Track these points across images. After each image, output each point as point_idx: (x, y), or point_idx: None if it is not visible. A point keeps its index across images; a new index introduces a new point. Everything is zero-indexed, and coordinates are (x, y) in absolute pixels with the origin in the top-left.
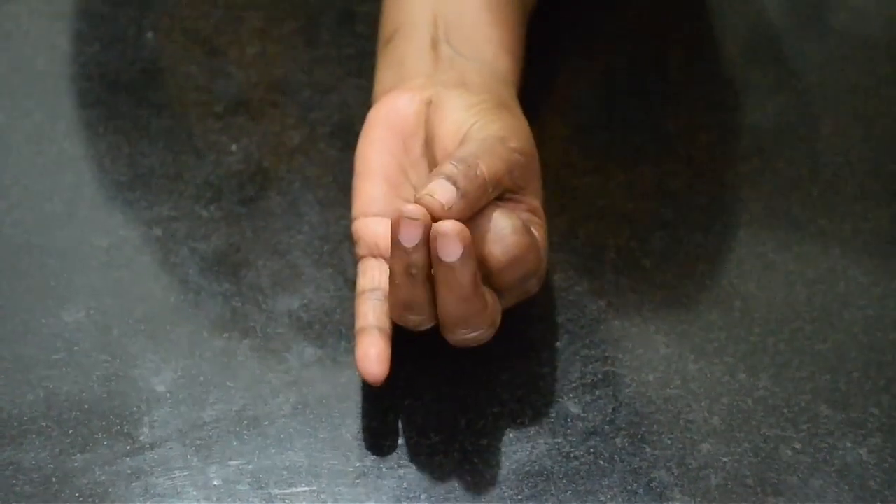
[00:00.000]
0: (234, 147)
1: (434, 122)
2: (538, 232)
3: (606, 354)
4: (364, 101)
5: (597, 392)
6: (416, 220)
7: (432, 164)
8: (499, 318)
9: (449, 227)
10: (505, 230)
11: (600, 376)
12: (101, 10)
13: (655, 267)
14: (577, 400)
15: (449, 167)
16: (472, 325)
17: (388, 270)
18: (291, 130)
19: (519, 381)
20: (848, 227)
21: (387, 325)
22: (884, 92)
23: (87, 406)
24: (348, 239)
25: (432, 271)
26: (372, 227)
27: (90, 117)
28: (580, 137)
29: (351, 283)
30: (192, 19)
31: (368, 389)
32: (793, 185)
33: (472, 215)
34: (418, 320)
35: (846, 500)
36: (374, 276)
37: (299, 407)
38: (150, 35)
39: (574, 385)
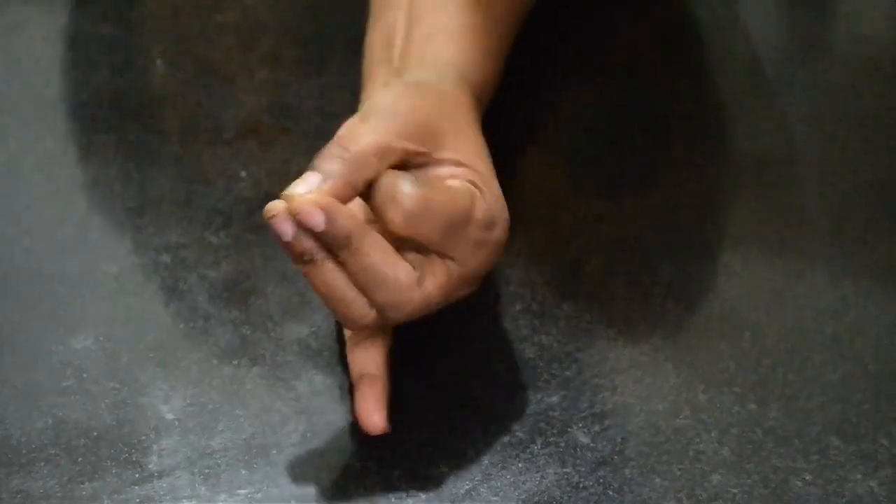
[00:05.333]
0: (243, 174)
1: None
2: (461, 182)
3: (616, 384)
4: None
5: (606, 422)
6: (278, 214)
7: None
8: (436, 282)
9: (301, 202)
10: (392, 193)
11: (610, 406)
12: (112, 38)
13: (665, 296)
14: (586, 429)
15: (316, 157)
16: (387, 283)
17: None
18: (301, 157)
19: (528, 410)
20: (858, 257)
21: (378, 369)
22: (893, 119)
23: (95, 434)
24: None
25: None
26: None
27: (100, 144)
28: (588, 167)
29: None
30: (201, 46)
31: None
32: (802, 214)
33: (364, 189)
34: (355, 311)
35: None
36: None
37: (308, 435)
38: (159, 62)
39: (583, 414)
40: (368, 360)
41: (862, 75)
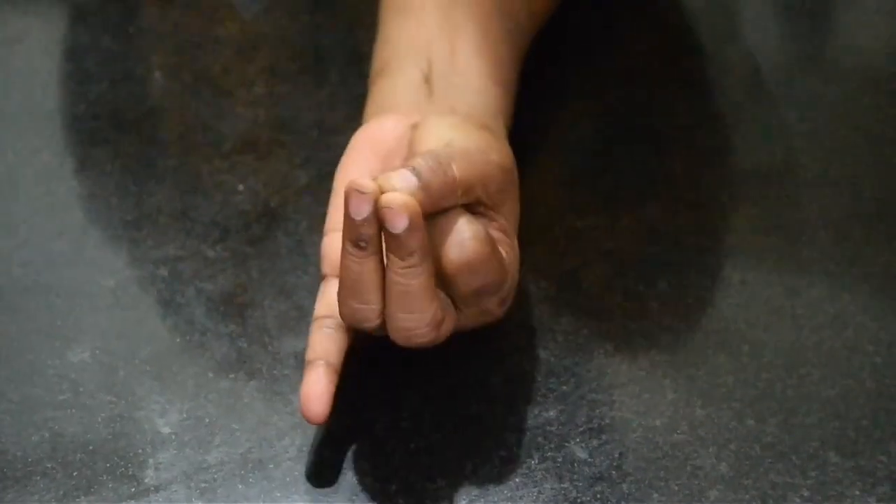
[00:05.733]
0: (240, 187)
1: (416, 140)
2: (506, 252)
3: (613, 399)
4: None
5: (603, 437)
6: (365, 193)
7: None
8: (447, 327)
9: (394, 198)
10: (464, 234)
11: (607, 421)
12: (110, 50)
13: (662, 310)
14: (583, 445)
15: (416, 159)
16: (415, 310)
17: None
18: (298, 170)
19: (525, 425)
20: (857, 272)
21: (337, 359)
22: (892, 134)
23: (91, 448)
24: None
25: (385, 264)
26: (334, 246)
27: (98, 156)
28: (586, 180)
29: None
30: (199, 59)
31: (373, 433)
32: (801, 228)
33: (435, 212)
34: (365, 312)
35: None
36: (332, 302)
37: (305, 449)
38: (157, 74)
39: (581, 430)
40: (332, 347)
41: (860, 89)
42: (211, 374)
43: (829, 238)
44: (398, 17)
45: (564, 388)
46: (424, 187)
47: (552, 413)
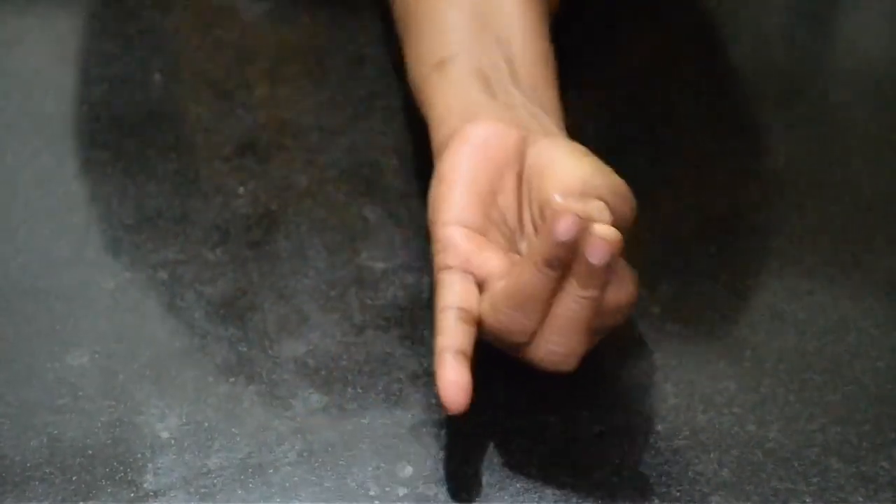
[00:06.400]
0: (241, 190)
1: (539, 162)
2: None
3: (614, 404)
4: (373, 144)
5: (604, 442)
6: (580, 219)
7: (527, 200)
8: (583, 356)
9: (609, 232)
10: (627, 277)
11: (608, 426)
12: (110, 52)
13: (664, 315)
14: (584, 450)
15: (602, 192)
16: (572, 340)
17: (521, 264)
18: (299, 174)
19: (526, 430)
20: (859, 277)
21: (471, 350)
22: (894, 138)
23: (90, 452)
24: (355, 283)
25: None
26: (465, 240)
27: (97, 159)
28: None
29: (357, 329)
30: (200, 61)
31: (373, 438)
32: (803, 233)
33: None
34: (524, 326)
35: None
36: (461, 294)
37: (304, 455)
38: (157, 77)
39: (582, 434)
40: (467, 339)
41: (862, 94)
42: (211, 379)
43: (831, 243)
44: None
45: (564, 393)
46: (613, 223)
47: (552, 418)
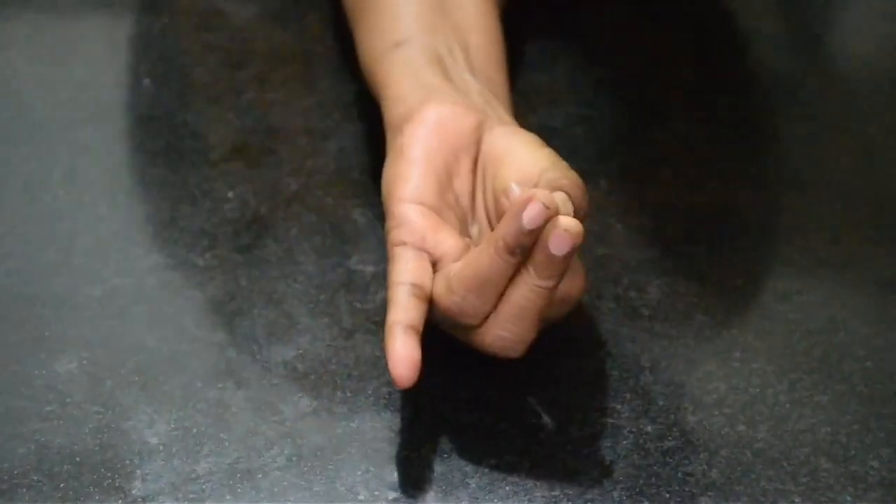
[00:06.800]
0: (230, 194)
1: (496, 149)
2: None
3: (604, 405)
4: (362, 148)
5: (594, 444)
6: (549, 209)
7: (481, 187)
8: (531, 343)
9: (573, 225)
10: (579, 269)
11: (598, 427)
12: (98, 57)
13: (654, 317)
14: (574, 452)
15: (564, 183)
16: (524, 327)
17: (481, 248)
18: (288, 178)
19: (515, 432)
20: (849, 278)
21: (421, 325)
22: (885, 140)
23: (78, 459)
24: (345, 287)
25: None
26: (421, 217)
27: (85, 164)
28: None
29: (346, 333)
30: (188, 66)
31: (363, 442)
32: (793, 233)
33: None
34: (477, 309)
35: None
36: (415, 270)
37: (294, 459)
38: (146, 81)
39: (571, 436)
40: (417, 315)
41: (853, 94)
42: (199, 384)
43: (821, 243)
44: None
45: (554, 394)
46: (574, 214)
47: (542, 420)
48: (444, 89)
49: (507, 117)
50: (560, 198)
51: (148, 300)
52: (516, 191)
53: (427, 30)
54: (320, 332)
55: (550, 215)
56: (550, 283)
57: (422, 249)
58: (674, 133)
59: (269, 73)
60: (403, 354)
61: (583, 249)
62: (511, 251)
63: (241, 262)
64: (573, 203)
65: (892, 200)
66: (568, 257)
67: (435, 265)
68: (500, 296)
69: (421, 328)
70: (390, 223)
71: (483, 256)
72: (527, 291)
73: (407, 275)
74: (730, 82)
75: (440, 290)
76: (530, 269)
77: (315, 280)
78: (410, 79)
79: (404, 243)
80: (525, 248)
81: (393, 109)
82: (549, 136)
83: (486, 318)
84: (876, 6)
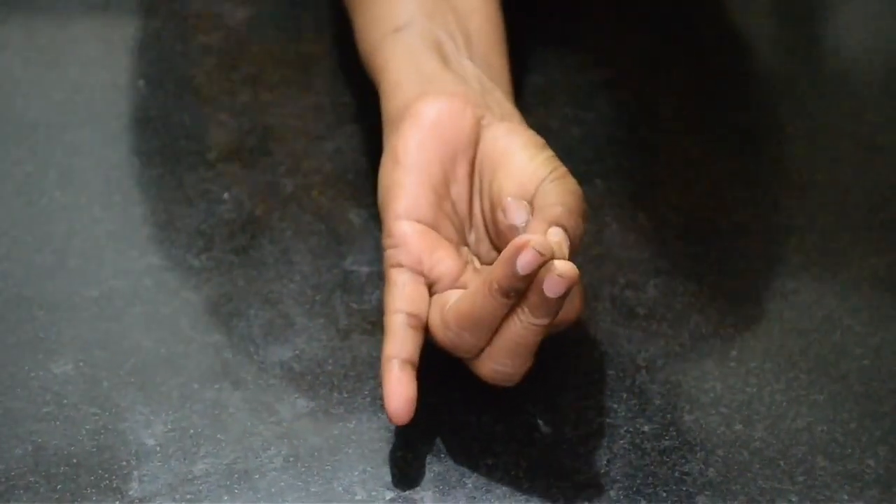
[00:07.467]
0: (225, 196)
1: (494, 152)
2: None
3: (601, 405)
4: (357, 149)
5: (591, 444)
6: (543, 255)
7: (478, 191)
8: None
9: (568, 270)
10: (577, 293)
11: (595, 427)
12: (94, 59)
13: (650, 316)
14: (571, 451)
15: (562, 217)
16: (518, 361)
17: (476, 287)
18: (284, 179)
19: (512, 432)
20: (844, 276)
21: (417, 357)
22: (879, 140)
23: (75, 460)
24: (341, 288)
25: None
26: (417, 237)
27: (80, 166)
28: None
29: (342, 333)
30: (183, 67)
31: (360, 443)
32: (789, 233)
33: None
34: (472, 345)
35: None
36: (411, 297)
37: (290, 460)
38: (141, 83)
39: (568, 436)
40: (414, 347)
41: (847, 94)
42: (196, 385)
43: (817, 243)
44: None
45: (551, 394)
46: (570, 249)
47: (539, 420)
48: (443, 77)
49: (507, 104)
50: (555, 238)
51: (144, 301)
52: (512, 207)
53: (427, 14)
54: (316, 332)
55: (545, 261)
56: (545, 321)
57: (418, 272)
58: (669, 133)
59: (265, 74)
60: (399, 391)
61: (580, 249)
62: (505, 294)
63: (237, 263)
64: (569, 234)
65: (887, 200)
66: (562, 298)
67: (432, 286)
68: (496, 331)
69: (417, 360)
70: (386, 241)
71: (477, 296)
72: (521, 329)
73: (403, 303)
74: (725, 82)
75: (435, 321)
76: (525, 308)
77: (311, 281)
78: (409, 65)
79: (401, 265)
80: (519, 291)
81: (390, 102)
82: (545, 136)
83: (482, 350)
84: (871, 6)
